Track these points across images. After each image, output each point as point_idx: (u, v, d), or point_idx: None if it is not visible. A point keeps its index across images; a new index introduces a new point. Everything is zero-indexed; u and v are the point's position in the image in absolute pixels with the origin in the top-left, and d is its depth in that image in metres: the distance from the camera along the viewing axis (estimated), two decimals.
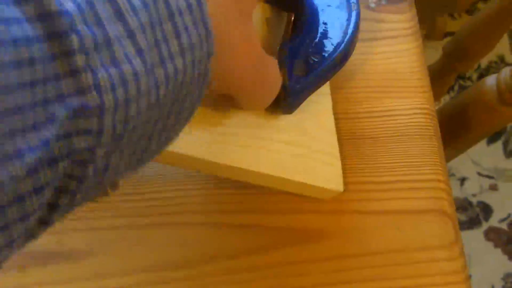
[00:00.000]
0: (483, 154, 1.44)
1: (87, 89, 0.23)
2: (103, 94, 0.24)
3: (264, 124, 0.43)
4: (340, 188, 0.45)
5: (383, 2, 0.52)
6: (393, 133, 0.48)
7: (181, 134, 0.35)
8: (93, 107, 0.24)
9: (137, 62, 0.25)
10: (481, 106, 0.65)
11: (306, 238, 0.45)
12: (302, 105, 0.44)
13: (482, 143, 1.45)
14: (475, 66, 1.27)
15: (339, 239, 0.45)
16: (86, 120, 0.24)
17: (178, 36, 0.27)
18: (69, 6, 0.23)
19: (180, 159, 0.39)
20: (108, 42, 0.24)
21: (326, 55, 0.43)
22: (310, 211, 0.46)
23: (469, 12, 1.52)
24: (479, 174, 1.43)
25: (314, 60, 0.42)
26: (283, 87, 0.41)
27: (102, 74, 0.24)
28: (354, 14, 0.45)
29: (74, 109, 0.23)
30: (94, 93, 0.24)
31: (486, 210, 1.39)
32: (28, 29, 0.22)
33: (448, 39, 0.84)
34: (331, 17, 0.45)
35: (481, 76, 1.48)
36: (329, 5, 0.45)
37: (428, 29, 0.82)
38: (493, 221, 1.38)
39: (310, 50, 0.43)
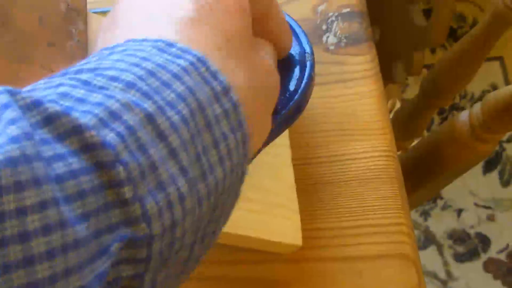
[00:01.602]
0: (480, 185, 1.43)
1: (136, 220, 0.23)
2: (151, 223, 0.24)
3: None
4: (299, 242, 0.44)
5: (342, 45, 0.52)
6: (354, 176, 0.48)
7: None
8: (143, 237, 0.24)
9: (181, 182, 0.25)
10: (455, 143, 0.64)
11: None
12: (259, 158, 0.43)
13: (478, 173, 1.44)
14: (453, 99, 1.27)
15: None
16: (136, 250, 0.24)
17: (216, 145, 0.27)
18: (111, 136, 0.23)
19: None
20: (153, 166, 0.24)
21: (279, 108, 0.42)
22: (272, 260, 0.45)
23: (445, 47, 1.53)
24: (476, 204, 1.41)
25: None
26: None
27: (150, 203, 0.24)
28: (308, 65, 0.44)
29: (125, 240, 0.23)
30: (143, 224, 0.24)
31: (484, 241, 1.38)
32: (74, 162, 0.22)
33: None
34: (285, 67, 0.44)
35: None
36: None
37: (406, 65, 0.82)
38: (492, 252, 1.36)
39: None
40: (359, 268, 0.45)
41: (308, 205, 0.47)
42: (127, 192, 0.23)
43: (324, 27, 0.53)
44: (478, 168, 1.44)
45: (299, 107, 0.42)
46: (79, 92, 0.24)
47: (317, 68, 0.45)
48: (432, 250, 1.37)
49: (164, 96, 0.25)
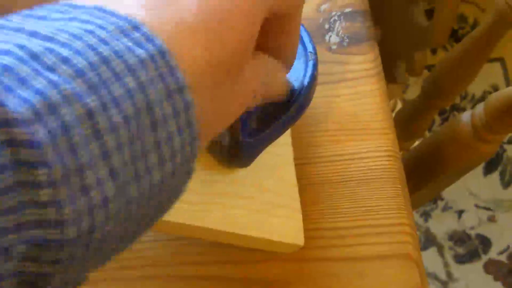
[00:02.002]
0: (480, 186, 1.43)
1: (49, 224, 0.22)
2: (66, 228, 0.23)
3: (221, 179, 0.41)
4: (301, 242, 0.44)
5: (344, 44, 0.52)
6: (356, 176, 0.47)
7: None
8: (53, 242, 0.23)
9: (108, 186, 0.24)
10: (457, 143, 0.64)
11: None
12: (261, 157, 0.42)
13: (479, 175, 1.43)
14: (454, 100, 1.27)
15: None
16: (44, 252, 0.23)
17: (158, 147, 0.26)
18: (42, 134, 0.22)
19: None
20: (80, 169, 0.23)
21: (282, 107, 0.42)
22: (272, 259, 0.45)
23: (446, 48, 1.53)
24: (477, 206, 1.41)
25: (269, 112, 0.41)
26: (236, 142, 0.39)
27: (68, 208, 0.23)
28: (310, 64, 0.43)
29: (33, 243, 0.23)
30: (57, 229, 0.23)
31: (485, 242, 1.37)
32: None
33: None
34: None
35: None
36: None
37: (408, 65, 0.82)
38: (492, 254, 1.36)
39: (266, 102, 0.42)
40: (361, 269, 0.45)
41: (309, 205, 0.46)
42: (44, 195, 0.22)
43: (326, 26, 0.53)
44: (479, 169, 1.44)
45: (302, 106, 0.42)
46: (24, 71, 0.23)
47: (320, 68, 0.45)
48: (432, 251, 1.37)
49: (112, 90, 0.24)
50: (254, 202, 0.42)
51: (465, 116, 0.65)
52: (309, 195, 0.47)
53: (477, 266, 1.35)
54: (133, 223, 0.27)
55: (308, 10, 0.53)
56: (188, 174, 0.28)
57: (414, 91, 1.49)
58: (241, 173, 0.42)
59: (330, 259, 0.45)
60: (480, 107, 0.63)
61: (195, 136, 0.27)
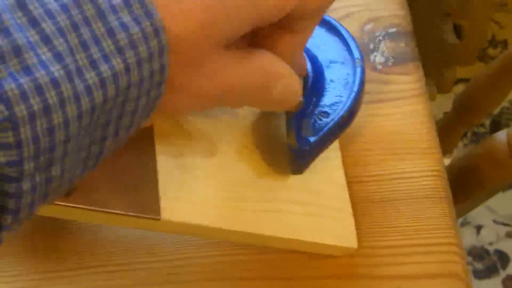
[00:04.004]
0: (499, 201, 1.43)
1: None
2: (13, 105, 0.23)
3: (273, 185, 0.42)
4: (354, 244, 0.45)
5: (389, 64, 0.53)
6: (403, 196, 0.48)
7: (186, 203, 0.35)
8: (2, 120, 0.23)
9: (55, 68, 0.24)
10: (492, 162, 0.64)
11: None
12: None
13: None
14: (485, 117, 1.27)
15: None
16: (0, 134, 0.23)
17: (112, 35, 0.26)
18: None
19: (184, 228, 0.39)
20: (17, 50, 0.23)
21: (334, 113, 0.43)
22: (325, 277, 0.45)
23: (480, 58, 1.53)
24: (495, 221, 1.41)
25: (321, 119, 0.42)
26: (292, 150, 0.41)
27: (10, 85, 0.23)
28: (359, 70, 0.44)
29: None
30: (2, 106, 0.23)
31: (503, 258, 1.37)
32: None
33: (458, 86, 0.84)
34: (336, 74, 0.44)
35: (494, 122, 1.48)
36: (333, 62, 0.45)
37: (437, 82, 0.82)
38: (511, 269, 1.36)
39: (317, 109, 0.43)
40: (411, 287, 0.45)
41: (357, 222, 0.47)
42: None
43: (371, 46, 0.53)
44: None
45: (353, 112, 0.43)
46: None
47: (366, 87, 0.45)
48: None
49: None
50: (308, 207, 0.43)
51: (501, 135, 0.65)
52: (357, 213, 0.47)
53: (495, 282, 1.35)
54: (110, 122, 0.26)
55: (352, 29, 0.54)
56: (161, 74, 0.28)
57: (444, 104, 1.49)
58: (294, 179, 0.43)
59: (381, 277, 0.45)
60: None
61: (158, 25, 0.27)
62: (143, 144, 0.38)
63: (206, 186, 0.39)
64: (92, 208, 0.35)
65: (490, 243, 1.39)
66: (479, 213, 1.41)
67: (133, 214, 0.36)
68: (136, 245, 0.46)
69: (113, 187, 0.36)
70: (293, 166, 0.42)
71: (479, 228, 1.41)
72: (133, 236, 0.46)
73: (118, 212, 0.36)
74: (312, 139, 0.41)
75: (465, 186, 0.68)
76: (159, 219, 0.37)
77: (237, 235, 0.41)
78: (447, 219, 0.47)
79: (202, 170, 0.40)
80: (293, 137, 0.41)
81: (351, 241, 0.45)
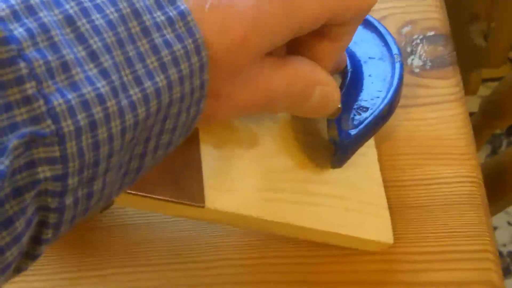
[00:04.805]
0: None
1: (40, 117, 0.23)
2: (60, 120, 0.23)
3: (312, 179, 0.43)
4: (390, 240, 0.45)
5: (427, 68, 0.52)
6: (439, 201, 0.48)
7: (228, 192, 0.35)
8: (49, 134, 0.23)
9: (101, 84, 0.24)
10: None
11: None
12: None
13: None
14: None
15: None
16: (46, 149, 0.23)
17: (156, 52, 0.26)
18: (19, 31, 0.23)
19: (226, 217, 0.39)
20: (65, 66, 0.24)
21: (373, 107, 0.43)
22: (356, 282, 0.45)
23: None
24: (509, 223, 1.41)
25: (361, 114, 0.43)
26: (334, 143, 0.41)
27: (58, 100, 0.23)
28: (398, 65, 0.45)
29: (27, 138, 0.23)
30: (49, 121, 0.23)
31: None
32: None
33: (483, 87, 0.84)
34: (375, 69, 0.45)
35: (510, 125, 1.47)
36: (371, 57, 0.45)
37: (463, 84, 0.82)
38: None
39: (357, 103, 0.43)
40: None
41: (392, 227, 0.47)
42: (29, 88, 0.22)
43: (409, 49, 0.53)
44: None
45: (392, 106, 0.44)
46: None
47: (403, 91, 0.45)
48: None
49: None
50: (345, 201, 0.43)
51: None
52: (392, 218, 0.47)
53: (509, 284, 1.35)
54: (151, 137, 0.27)
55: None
56: (201, 90, 0.28)
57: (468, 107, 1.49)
58: (331, 173, 0.43)
59: (414, 283, 0.45)
60: None
61: (200, 42, 0.27)
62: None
63: (246, 176, 0.40)
64: (140, 194, 0.36)
65: (504, 245, 1.39)
66: (493, 215, 1.41)
67: (179, 201, 0.37)
68: (164, 247, 0.46)
69: (161, 175, 0.36)
70: (333, 159, 0.43)
71: (493, 229, 1.40)
72: (160, 238, 0.46)
73: (165, 198, 0.36)
74: (353, 132, 0.42)
75: (492, 190, 0.68)
76: (203, 207, 0.37)
77: (278, 226, 0.41)
78: (483, 226, 0.47)
79: (242, 161, 0.40)
80: (335, 130, 0.41)
81: (387, 237, 0.45)
